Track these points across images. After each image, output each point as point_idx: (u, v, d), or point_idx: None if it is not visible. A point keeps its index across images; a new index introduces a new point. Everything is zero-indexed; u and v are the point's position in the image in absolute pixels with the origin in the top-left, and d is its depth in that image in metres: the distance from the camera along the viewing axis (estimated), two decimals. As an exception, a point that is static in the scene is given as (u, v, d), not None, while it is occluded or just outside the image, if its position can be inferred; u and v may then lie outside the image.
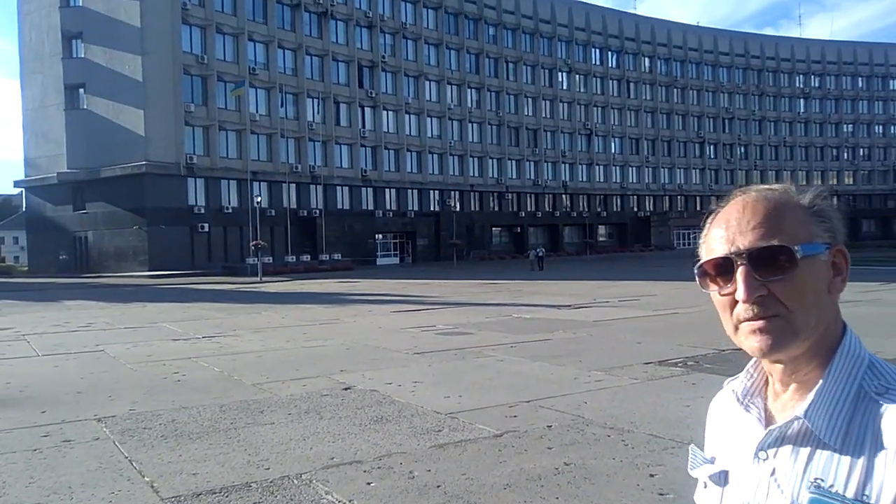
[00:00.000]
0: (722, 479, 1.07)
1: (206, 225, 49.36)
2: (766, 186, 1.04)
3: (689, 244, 73.98)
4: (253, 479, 5.26)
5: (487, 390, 8.40)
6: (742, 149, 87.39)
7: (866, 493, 0.87)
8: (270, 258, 46.86)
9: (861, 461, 0.89)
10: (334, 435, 6.47)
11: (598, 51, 77.37)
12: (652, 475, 5.16)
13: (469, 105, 67.27)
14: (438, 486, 5.00)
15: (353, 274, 43.38)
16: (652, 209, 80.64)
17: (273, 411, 7.50)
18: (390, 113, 61.88)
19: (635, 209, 79.60)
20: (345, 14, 58.68)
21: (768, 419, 1.03)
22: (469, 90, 67.49)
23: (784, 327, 0.96)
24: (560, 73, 74.42)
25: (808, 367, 0.99)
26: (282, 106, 54.30)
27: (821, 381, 0.96)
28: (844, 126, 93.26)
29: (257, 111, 53.45)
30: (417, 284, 31.92)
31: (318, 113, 56.88)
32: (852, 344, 0.99)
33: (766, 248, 0.97)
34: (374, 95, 59.98)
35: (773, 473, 0.98)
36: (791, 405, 1.00)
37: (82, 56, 50.34)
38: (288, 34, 55.47)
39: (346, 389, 8.59)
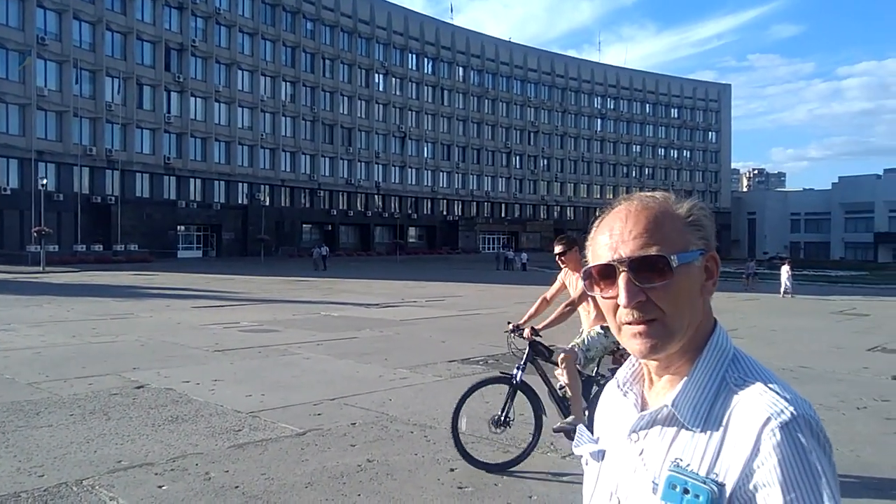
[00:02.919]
0: (599, 457, 1.16)
1: (-22, 207, 44.20)
2: (648, 195, 1.10)
3: (493, 248, 77.42)
4: (23, 489, 4.74)
5: (292, 388, 8.22)
6: (545, 161, 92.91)
7: (716, 471, 0.97)
8: (56, 246, 42.90)
9: (714, 444, 0.99)
10: (123, 436, 6.02)
11: (414, 56, 78.79)
12: (452, 469, 5.30)
13: (283, 98, 65.76)
14: (236, 487, 4.81)
15: (152, 266, 40.76)
16: (460, 214, 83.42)
17: (52, 412, 6.83)
18: (199, 100, 58.94)
19: (444, 213, 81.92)
20: (152, -9, 55.13)
21: (643, 405, 1.12)
22: (284, 83, 65.97)
23: (661, 330, 1.03)
24: (377, 75, 74.88)
25: (680, 362, 1.07)
26: (76, 83, 49.87)
27: (690, 373, 1.05)
28: (633, 146, 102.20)
29: (46, 85, 48.67)
30: (221, 279, 30.64)
31: (119, 93, 52.88)
32: (720, 340, 1.08)
33: (645, 257, 1.03)
34: (181, 80, 56.82)
35: (641, 453, 1.07)
36: (663, 393, 1.08)
37: None
38: (85, 5, 51.06)
39: (138, 388, 8.03)
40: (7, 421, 6.48)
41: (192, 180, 58.16)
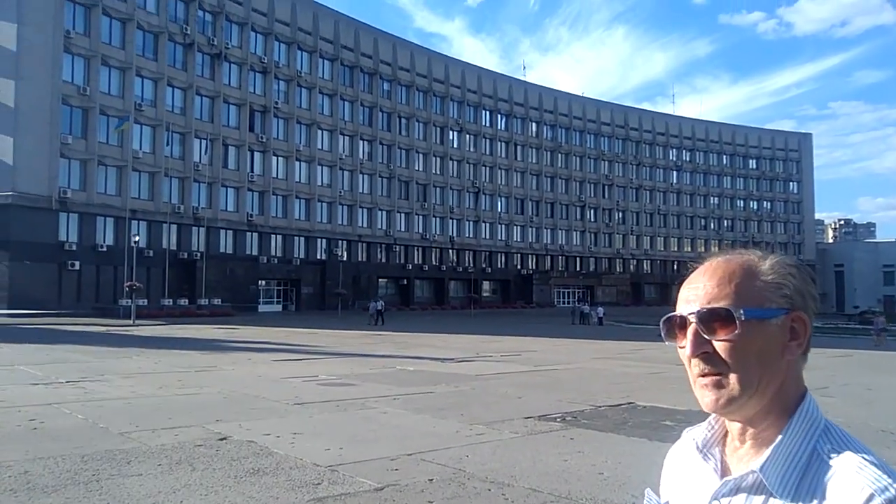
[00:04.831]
0: None
1: (78, 263, 46.66)
2: (736, 251, 1.12)
3: (568, 302, 76.52)
4: (116, 535, 4.92)
5: (369, 443, 8.27)
6: (620, 214, 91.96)
7: None
8: (146, 300, 44.72)
9: None
10: (207, 487, 6.17)
11: (488, 113, 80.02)
12: (531, 529, 5.21)
13: (361, 156, 67.62)
14: (316, 541, 4.86)
15: (234, 320, 41.96)
16: (534, 267, 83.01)
17: (141, 462, 7.08)
18: (280, 159, 61.23)
19: (518, 267, 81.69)
20: (239, 58, 58.12)
21: (724, 470, 1.10)
22: (361, 141, 67.92)
23: (727, 385, 1.03)
24: (451, 132, 76.26)
25: (763, 424, 1.05)
26: (167, 145, 52.66)
27: (778, 439, 1.02)
28: (711, 198, 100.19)
29: (141, 148, 51.57)
30: (300, 333, 31.25)
31: (206, 154, 55.51)
32: (811, 408, 1.05)
33: (713, 310, 1.04)
34: (264, 140, 59.26)
35: None
36: (747, 459, 1.06)
37: (-53, 76, 47.17)
38: (178, 72, 54.22)
39: (221, 440, 8.23)
40: (101, 469, 6.75)
41: (273, 236, 60.05)
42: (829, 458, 0.99)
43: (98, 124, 48.92)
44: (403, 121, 71.93)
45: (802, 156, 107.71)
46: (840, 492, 0.94)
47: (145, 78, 52.28)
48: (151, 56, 52.74)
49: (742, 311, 1.02)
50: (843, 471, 0.96)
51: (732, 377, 1.02)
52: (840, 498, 0.94)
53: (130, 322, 37.11)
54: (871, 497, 0.91)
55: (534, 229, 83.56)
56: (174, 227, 52.58)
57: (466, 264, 75.47)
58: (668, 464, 1.23)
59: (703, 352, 1.04)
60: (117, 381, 13.62)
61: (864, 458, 0.97)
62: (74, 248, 47.04)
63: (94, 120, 48.68)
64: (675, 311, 1.11)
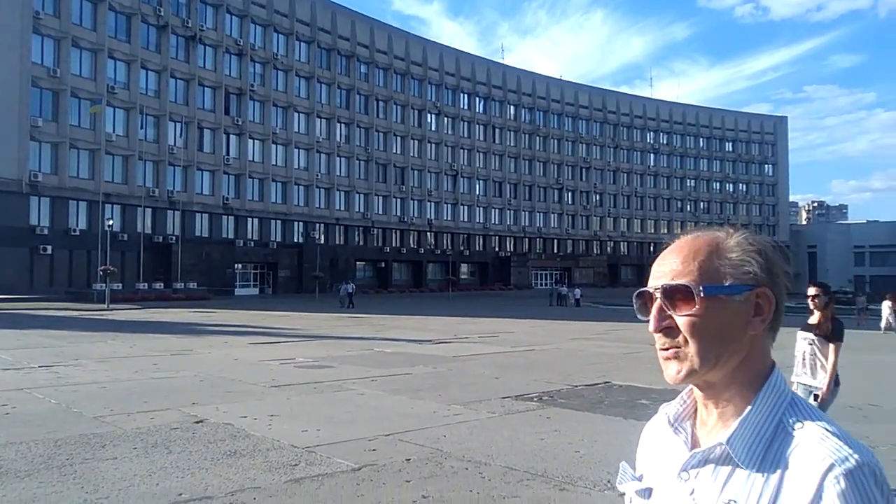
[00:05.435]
0: (646, 495, 1.16)
1: (50, 247, 46.01)
2: (706, 229, 1.14)
3: (545, 284, 76.87)
4: (90, 518, 4.89)
5: (347, 424, 8.29)
6: (597, 196, 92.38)
7: None
8: (120, 285, 44.21)
9: (771, 487, 0.98)
10: (183, 470, 6.15)
11: (466, 96, 79.76)
12: (507, 506, 5.26)
13: (338, 139, 67.15)
14: (293, 521, 4.86)
15: (210, 304, 41.65)
16: (512, 250, 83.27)
17: (116, 445, 7.03)
18: (256, 142, 60.63)
19: (497, 249, 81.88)
20: (214, 40, 57.31)
21: (694, 443, 1.13)
22: (339, 124, 67.44)
23: (684, 358, 1.05)
24: (429, 115, 75.95)
25: (726, 395, 1.08)
26: (142, 128, 51.90)
27: (746, 412, 1.04)
28: (687, 181, 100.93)
29: (114, 131, 50.79)
30: (277, 316, 31.12)
31: (181, 137, 54.79)
32: (777, 382, 1.07)
33: (674, 286, 1.07)
34: (240, 123, 58.62)
35: (692, 493, 1.06)
36: (715, 431, 1.09)
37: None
38: (152, 55, 53.37)
39: (197, 423, 8.20)
40: (75, 453, 6.70)
41: (249, 220, 59.60)
42: (794, 429, 1.01)
43: (69, 107, 48.08)
44: (381, 104, 71.49)
45: (778, 139, 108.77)
46: (802, 462, 0.97)
47: (118, 60, 51.39)
48: (124, 38, 51.82)
49: (702, 288, 1.05)
50: (805, 442, 0.98)
51: (692, 351, 1.05)
52: (802, 468, 0.96)
53: (105, 306, 36.73)
54: (831, 467, 0.93)
55: (512, 212, 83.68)
56: (149, 210, 52.00)
57: (444, 247, 75.47)
58: (644, 439, 1.26)
59: (666, 326, 1.07)
60: (91, 366, 13.49)
61: (826, 429, 0.99)
62: (46, 232, 46.35)
63: (66, 102, 47.83)
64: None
